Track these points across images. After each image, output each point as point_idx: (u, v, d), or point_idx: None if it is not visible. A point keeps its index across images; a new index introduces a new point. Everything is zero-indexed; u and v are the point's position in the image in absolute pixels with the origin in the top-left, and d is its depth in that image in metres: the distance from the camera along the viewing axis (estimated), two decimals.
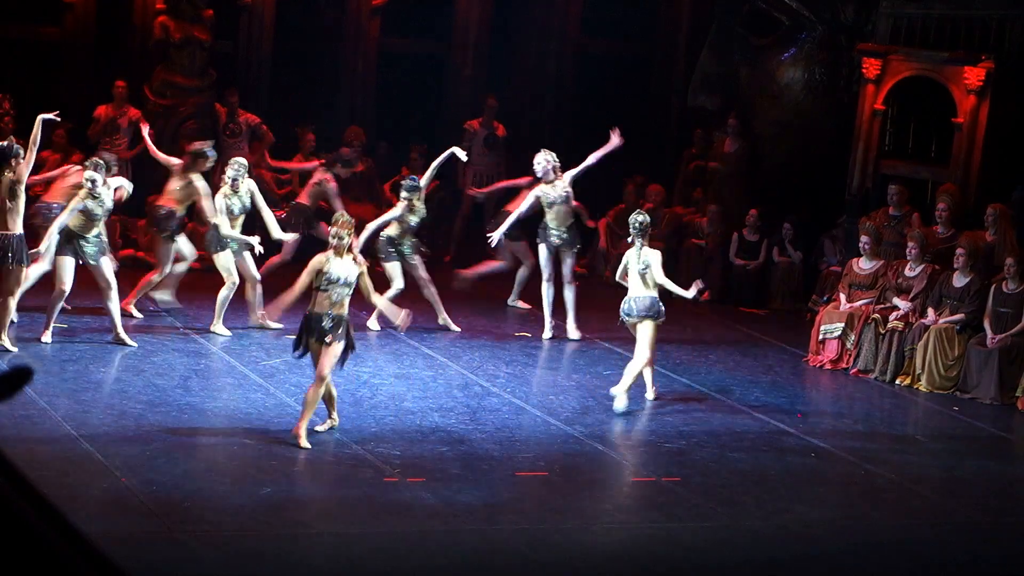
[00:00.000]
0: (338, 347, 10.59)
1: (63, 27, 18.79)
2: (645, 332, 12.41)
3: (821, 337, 14.67)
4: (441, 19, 20.48)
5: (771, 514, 9.98)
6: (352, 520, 9.24)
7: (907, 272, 14.42)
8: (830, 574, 9.29)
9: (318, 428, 10.82)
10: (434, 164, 15.02)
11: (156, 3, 18.51)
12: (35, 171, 13.37)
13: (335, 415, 10.96)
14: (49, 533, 2.85)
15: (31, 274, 12.93)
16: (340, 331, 10.57)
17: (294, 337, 10.92)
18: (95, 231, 12.86)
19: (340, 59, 19.81)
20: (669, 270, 17.77)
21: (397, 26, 20.23)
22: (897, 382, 14.10)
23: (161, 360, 12.66)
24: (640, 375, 12.47)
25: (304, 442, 10.47)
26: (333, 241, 10.73)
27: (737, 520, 9.81)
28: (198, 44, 18.11)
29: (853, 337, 14.45)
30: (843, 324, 14.52)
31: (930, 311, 14.10)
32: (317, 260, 10.73)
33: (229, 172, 13.82)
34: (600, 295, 15.95)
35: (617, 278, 12.87)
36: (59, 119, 13.30)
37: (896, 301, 14.36)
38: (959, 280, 14.06)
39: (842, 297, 14.78)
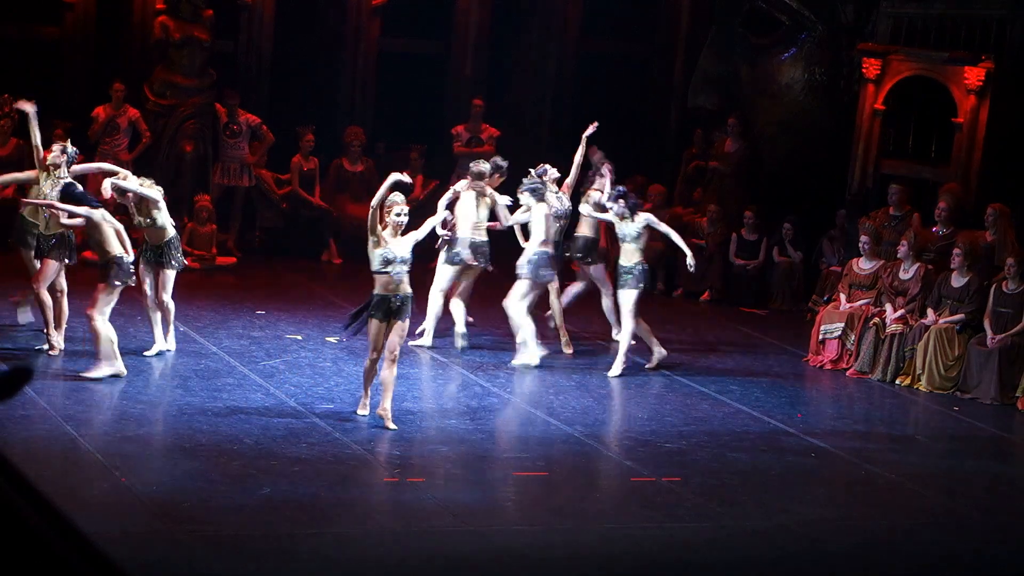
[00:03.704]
0: (405, 325, 11.08)
1: (63, 27, 18.79)
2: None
3: (821, 337, 14.67)
4: (441, 19, 20.48)
5: (771, 514, 9.98)
6: (352, 520, 9.24)
7: (901, 275, 14.42)
8: (830, 574, 9.29)
9: (363, 411, 11.14)
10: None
11: (156, 3, 18.50)
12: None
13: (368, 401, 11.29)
14: (49, 533, 2.85)
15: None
16: (407, 310, 11.03)
17: (352, 315, 11.25)
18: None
19: (340, 59, 19.81)
20: (670, 270, 17.92)
21: (397, 26, 20.23)
22: (897, 382, 14.10)
23: (161, 360, 12.67)
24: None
25: (391, 423, 11.02)
26: (397, 219, 11.00)
27: (737, 520, 9.81)
28: (198, 44, 18.11)
29: (853, 337, 14.45)
30: (843, 324, 14.52)
31: (930, 311, 14.10)
32: (375, 242, 10.96)
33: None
34: (599, 295, 15.91)
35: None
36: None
37: (887, 307, 14.36)
38: (957, 280, 14.06)
39: (842, 297, 14.79)
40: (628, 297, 13.38)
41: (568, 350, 14.27)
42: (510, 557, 8.88)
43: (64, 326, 12.87)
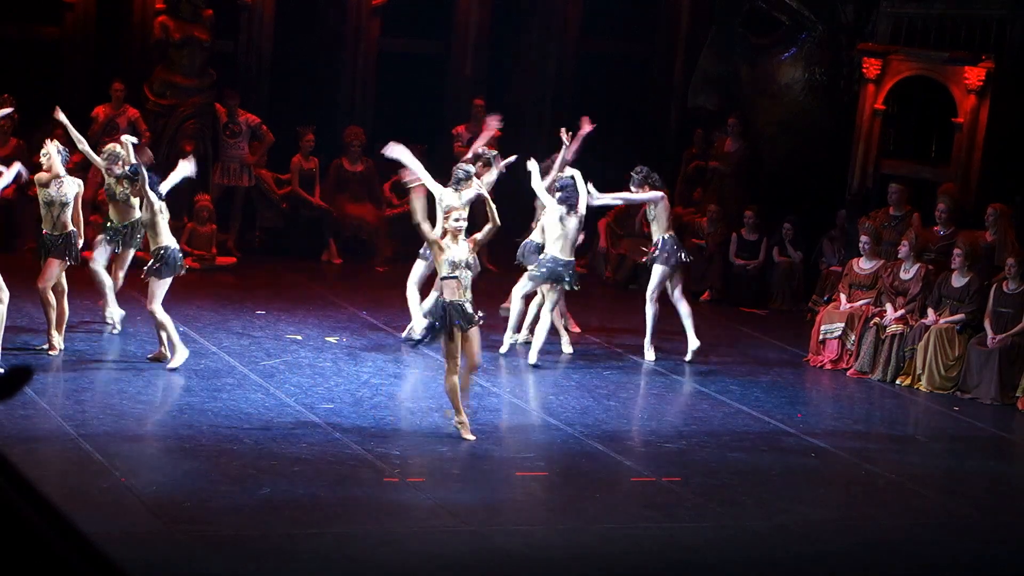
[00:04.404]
0: (477, 331, 10.94)
1: (63, 27, 18.79)
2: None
3: (821, 337, 14.67)
4: (441, 19, 20.48)
5: (771, 514, 9.98)
6: (352, 520, 9.24)
7: (902, 275, 14.42)
8: (830, 574, 9.29)
9: (466, 437, 10.97)
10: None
11: (156, 3, 18.50)
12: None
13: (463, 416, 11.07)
14: (49, 533, 2.85)
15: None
16: (477, 315, 10.87)
17: (425, 326, 11.12)
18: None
19: (340, 59, 19.81)
20: None
21: (397, 26, 20.22)
22: (897, 382, 14.10)
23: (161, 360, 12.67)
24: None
25: (468, 433, 10.91)
26: (456, 225, 10.84)
27: (737, 520, 9.81)
28: (198, 44, 18.10)
29: (853, 337, 14.45)
30: (843, 324, 14.52)
31: (930, 311, 14.10)
32: (437, 248, 10.84)
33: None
34: (600, 295, 15.93)
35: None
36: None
37: (887, 307, 14.36)
38: (958, 280, 14.06)
39: (842, 297, 14.79)
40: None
41: (568, 350, 14.27)
42: (510, 557, 8.88)
43: (64, 326, 12.89)
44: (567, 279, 13.56)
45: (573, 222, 13.56)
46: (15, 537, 2.81)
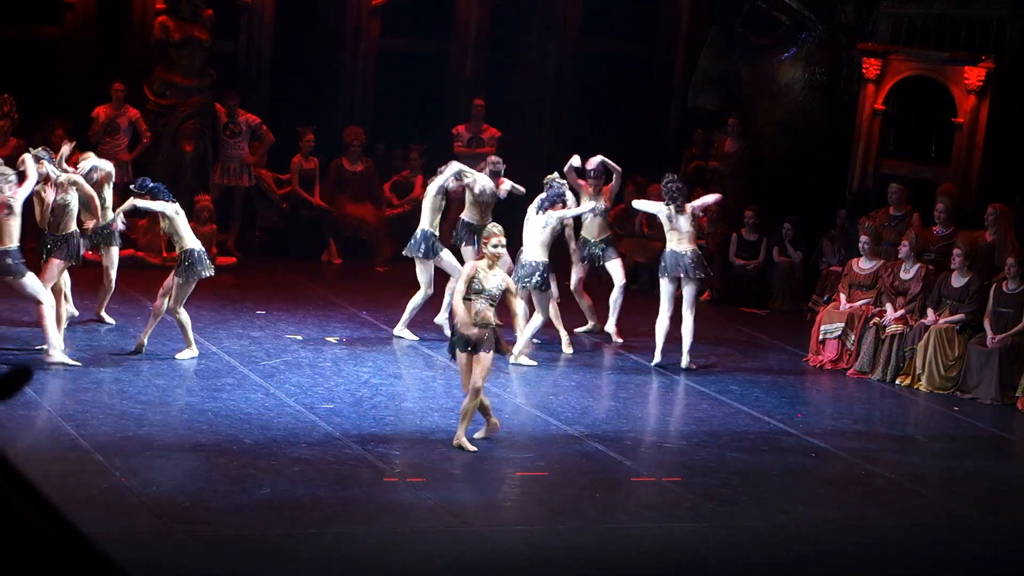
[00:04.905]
0: (488, 357, 10.61)
1: (63, 27, 18.78)
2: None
3: (821, 337, 14.67)
4: (441, 19, 20.48)
5: (771, 514, 9.98)
6: (352, 520, 9.24)
7: (902, 275, 14.42)
8: (830, 574, 9.29)
9: (477, 435, 10.91)
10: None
11: (156, 3, 18.50)
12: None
13: (494, 419, 11.02)
14: (49, 533, 2.85)
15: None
16: (489, 340, 10.55)
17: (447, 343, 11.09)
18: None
19: (340, 59, 19.81)
20: None
21: (397, 26, 20.22)
22: (897, 382, 14.10)
23: (161, 360, 12.67)
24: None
25: (470, 446, 10.68)
26: (494, 251, 10.64)
27: (737, 520, 9.81)
28: (198, 44, 18.10)
29: (853, 337, 14.45)
30: (843, 324, 14.52)
31: (930, 311, 14.10)
32: (470, 267, 10.70)
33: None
34: (600, 295, 15.90)
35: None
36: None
37: (887, 307, 14.35)
38: (958, 280, 14.06)
39: (842, 297, 14.79)
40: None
41: (568, 350, 14.26)
42: (510, 557, 8.88)
43: (64, 326, 12.89)
44: (523, 280, 13.40)
45: (536, 221, 13.53)
46: (15, 537, 2.81)
